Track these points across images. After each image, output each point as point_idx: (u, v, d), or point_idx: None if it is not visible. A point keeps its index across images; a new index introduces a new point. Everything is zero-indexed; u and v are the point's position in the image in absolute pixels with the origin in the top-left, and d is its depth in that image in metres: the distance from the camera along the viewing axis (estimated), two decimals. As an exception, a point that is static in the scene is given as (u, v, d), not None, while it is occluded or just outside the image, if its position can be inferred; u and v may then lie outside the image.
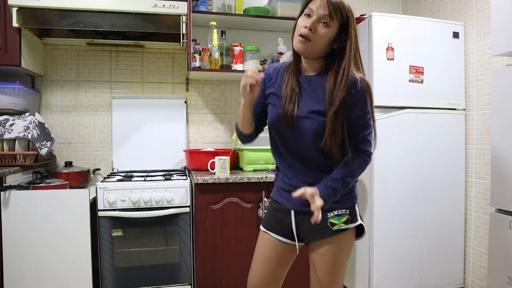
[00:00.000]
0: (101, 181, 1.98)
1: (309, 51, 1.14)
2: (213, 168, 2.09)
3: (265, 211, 1.36)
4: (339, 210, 1.22)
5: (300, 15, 1.17)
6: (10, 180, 1.86)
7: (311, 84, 1.21)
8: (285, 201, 1.28)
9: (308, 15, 1.12)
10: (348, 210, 1.24)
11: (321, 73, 1.20)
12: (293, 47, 1.18)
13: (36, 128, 2.04)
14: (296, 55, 1.22)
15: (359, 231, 1.27)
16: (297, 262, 1.36)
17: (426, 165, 2.20)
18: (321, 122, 1.14)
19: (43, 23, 2.00)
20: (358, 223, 1.25)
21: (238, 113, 1.29)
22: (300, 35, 1.11)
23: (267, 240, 1.31)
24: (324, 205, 1.10)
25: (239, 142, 1.50)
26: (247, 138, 1.34)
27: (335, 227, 1.21)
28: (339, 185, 1.15)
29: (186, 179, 2.07)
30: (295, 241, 1.27)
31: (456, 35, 2.24)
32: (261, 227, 1.35)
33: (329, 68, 1.17)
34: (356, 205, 1.27)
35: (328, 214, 1.21)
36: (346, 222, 1.22)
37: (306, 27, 1.10)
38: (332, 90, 1.13)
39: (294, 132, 1.19)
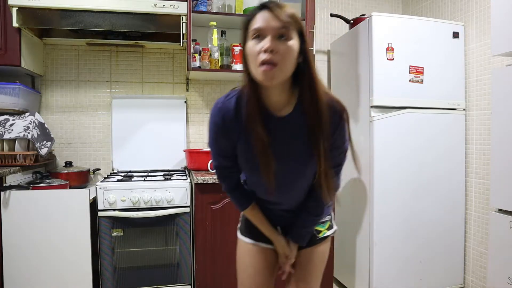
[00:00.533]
0: (101, 181, 1.98)
1: (280, 78, 0.90)
2: (213, 168, 2.09)
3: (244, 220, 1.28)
4: (323, 217, 1.21)
5: (245, 41, 0.93)
6: (10, 180, 1.86)
7: (286, 126, 1.00)
8: (270, 218, 1.21)
9: (258, 36, 0.89)
10: (329, 216, 1.24)
11: (294, 108, 0.99)
12: (249, 82, 0.95)
13: (36, 128, 2.04)
14: (254, 89, 0.96)
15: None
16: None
17: (426, 165, 2.20)
18: (308, 165, 1.02)
19: (43, 23, 2.00)
20: (335, 228, 1.26)
21: (255, 218, 1.15)
22: (263, 63, 0.87)
23: (257, 251, 1.22)
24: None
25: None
26: None
27: (321, 235, 1.20)
28: (311, 228, 1.17)
29: (186, 179, 2.07)
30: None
31: (456, 35, 2.24)
32: (247, 239, 1.24)
33: (301, 96, 0.97)
34: (332, 209, 1.27)
35: None
36: (328, 229, 1.22)
37: (265, 51, 0.87)
38: (313, 126, 0.96)
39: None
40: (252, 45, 0.90)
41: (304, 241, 1.17)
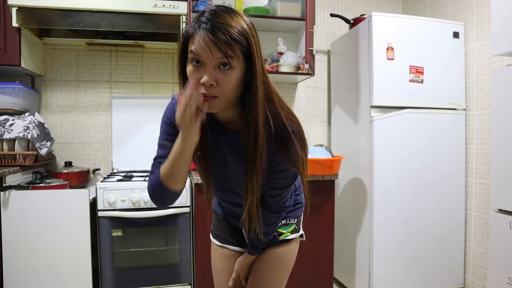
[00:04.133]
0: (101, 181, 1.98)
1: (221, 107, 0.84)
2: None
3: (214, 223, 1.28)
4: (288, 220, 1.17)
5: (181, 57, 0.86)
6: (10, 180, 1.86)
7: (233, 142, 0.95)
8: (233, 221, 1.21)
9: (198, 62, 0.80)
10: (296, 219, 1.19)
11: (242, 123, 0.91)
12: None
13: (36, 128, 2.03)
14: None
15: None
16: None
17: (426, 165, 2.20)
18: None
19: (43, 23, 2.00)
20: (301, 232, 1.22)
21: (170, 161, 0.88)
22: (202, 95, 0.79)
23: (227, 255, 1.20)
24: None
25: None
26: (172, 198, 0.95)
27: (282, 237, 1.15)
28: (262, 244, 1.12)
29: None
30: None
31: (456, 35, 2.24)
32: (216, 241, 1.23)
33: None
34: (302, 213, 1.22)
35: None
36: (292, 232, 1.17)
37: (203, 85, 0.79)
38: (251, 153, 0.88)
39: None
40: (191, 71, 0.81)
41: (256, 252, 1.13)
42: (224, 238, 1.22)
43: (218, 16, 0.80)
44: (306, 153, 0.96)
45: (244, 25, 0.81)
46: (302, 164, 0.94)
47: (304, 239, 1.25)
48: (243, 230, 1.19)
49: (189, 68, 0.82)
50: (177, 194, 0.94)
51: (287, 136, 0.89)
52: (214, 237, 1.25)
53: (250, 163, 0.89)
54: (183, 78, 0.88)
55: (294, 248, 1.19)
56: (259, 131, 0.86)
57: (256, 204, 0.95)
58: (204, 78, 0.78)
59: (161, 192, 0.92)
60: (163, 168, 0.89)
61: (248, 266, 1.16)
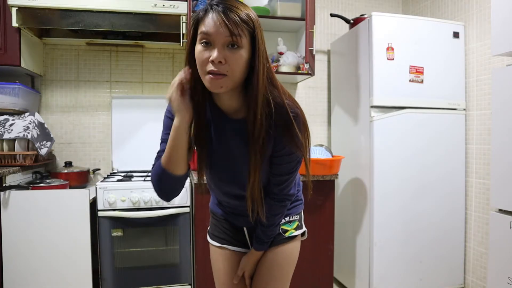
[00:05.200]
0: (101, 181, 1.98)
1: (230, 87, 0.87)
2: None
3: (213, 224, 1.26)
4: (291, 216, 1.18)
5: (192, 41, 0.89)
6: (10, 180, 1.86)
7: (236, 130, 0.98)
8: (234, 220, 1.20)
9: (207, 43, 0.84)
10: (298, 216, 1.20)
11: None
12: (196, 83, 0.91)
13: (36, 128, 2.03)
14: (203, 92, 0.92)
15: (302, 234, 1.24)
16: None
17: (426, 165, 2.20)
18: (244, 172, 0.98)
19: (43, 23, 2.00)
20: (304, 229, 1.22)
21: (169, 145, 0.93)
22: (210, 73, 0.83)
23: (227, 256, 1.20)
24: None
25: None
26: (176, 186, 0.98)
27: (287, 234, 1.16)
28: (269, 238, 1.12)
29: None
30: (249, 248, 1.20)
31: (456, 35, 2.24)
32: (215, 243, 1.22)
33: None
34: (302, 210, 1.23)
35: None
36: (296, 228, 1.18)
37: (212, 62, 0.83)
38: (251, 130, 0.91)
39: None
40: (200, 51, 0.85)
41: (263, 248, 1.13)
42: (223, 238, 1.21)
43: (228, 0, 0.86)
44: (308, 138, 0.97)
45: (251, 12, 0.87)
46: (306, 148, 0.96)
47: (306, 237, 1.25)
48: (244, 229, 1.19)
49: (198, 48, 0.85)
50: (180, 181, 0.96)
51: (288, 119, 0.91)
52: (212, 239, 1.24)
53: (251, 141, 0.92)
54: (190, 61, 0.91)
55: (298, 245, 1.20)
56: (258, 108, 0.88)
57: (258, 185, 0.96)
58: (214, 55, 0.82)
59: (165, 180, 0.95)
60: (164, 156, 0.94)
61: (254, 263, 1.16)
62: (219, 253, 1.21)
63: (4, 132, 1.93)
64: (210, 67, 0.83)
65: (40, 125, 2.11)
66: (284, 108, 0.91)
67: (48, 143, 2.12)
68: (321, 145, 2.20)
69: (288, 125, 0.92)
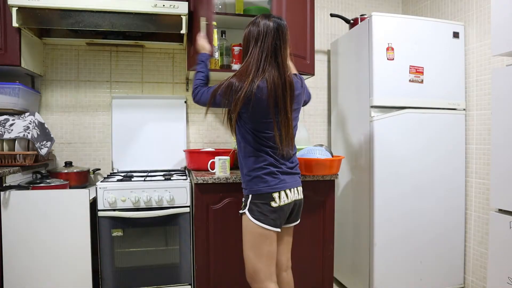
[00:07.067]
0: (101, 181, 1.98)
1: None
2: (213, 168, 2.09)
3: (263, 210, 1.48)
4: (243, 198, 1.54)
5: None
6: (10, 180, 1.86)
7: None
8: (289, 183, 1.49)
9: None
10: (244, 198, 1.52)
11: None
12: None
13: (36, 128, 2.04)
14: None
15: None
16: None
17: (426, 165, 2.20)
18: None
19: (43, 23, 2.00)
20: (243, 210, 1.49)
21: (203, 71, 1.70)
22: None
23: (272, 238, 1.46)
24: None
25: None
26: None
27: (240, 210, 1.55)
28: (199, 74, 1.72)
29: (186, 179, 2.07)
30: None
31: (456, 35, 2.24)
32: (263, 224, 1.44)
33: None
34: (250, 196, 1.46)
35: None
36: (243, 208, 1.50)
37: None
38: None
39: None
40: None
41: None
42: (270, 219, 1.44)
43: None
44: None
45: None
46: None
47: (250, 219, 1.49)
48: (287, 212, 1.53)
49: None
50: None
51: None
52: (266, 224, 1.44)
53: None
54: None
55: (246, 219, 1.51)
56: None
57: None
58: None
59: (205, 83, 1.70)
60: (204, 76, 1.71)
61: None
62: (266, 236, 1.45)
63: (4, 132, 1.94)
64: None
65: (40, 125, 2.11)
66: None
67: (48, 143, 2.12)
68: (321, 145, 2.19)
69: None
